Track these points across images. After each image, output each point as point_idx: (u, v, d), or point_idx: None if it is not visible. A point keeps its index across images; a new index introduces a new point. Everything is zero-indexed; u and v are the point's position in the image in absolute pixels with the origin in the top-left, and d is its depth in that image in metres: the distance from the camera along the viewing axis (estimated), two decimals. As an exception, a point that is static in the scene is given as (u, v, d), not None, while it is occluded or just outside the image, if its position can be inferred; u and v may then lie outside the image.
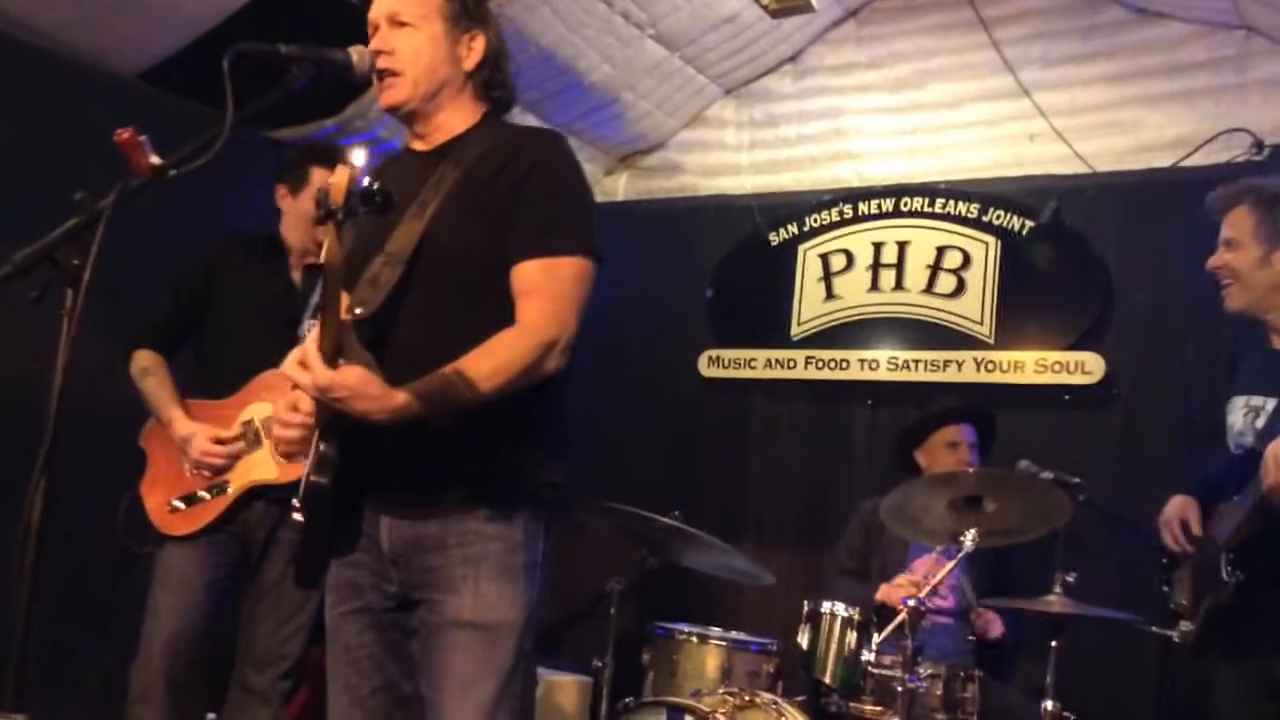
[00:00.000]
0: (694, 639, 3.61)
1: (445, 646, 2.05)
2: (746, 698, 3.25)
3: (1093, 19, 4.47)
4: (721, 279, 5.12)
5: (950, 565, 3.34)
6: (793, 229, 4.99)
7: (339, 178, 1.85)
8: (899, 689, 3.20)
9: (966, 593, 3.77)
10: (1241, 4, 4.03)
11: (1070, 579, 3.20)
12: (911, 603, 3.21)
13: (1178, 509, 2.99)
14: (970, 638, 3.78)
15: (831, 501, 4.66)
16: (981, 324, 4.52)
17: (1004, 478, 3.54)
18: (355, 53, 2.15)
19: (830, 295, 4.86)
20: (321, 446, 1.99)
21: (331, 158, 3.40)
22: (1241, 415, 2.90)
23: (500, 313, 2.06)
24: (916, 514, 3.46)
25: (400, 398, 1.91)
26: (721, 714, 3.13)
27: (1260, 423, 2.82)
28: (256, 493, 3.23)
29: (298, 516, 2.02)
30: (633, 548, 3.83)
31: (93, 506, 3.14)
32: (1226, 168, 4.07)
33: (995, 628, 3.75)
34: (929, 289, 4.65)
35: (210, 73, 1.92)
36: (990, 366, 4.44)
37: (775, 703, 3.27)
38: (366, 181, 1.86)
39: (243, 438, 3.22)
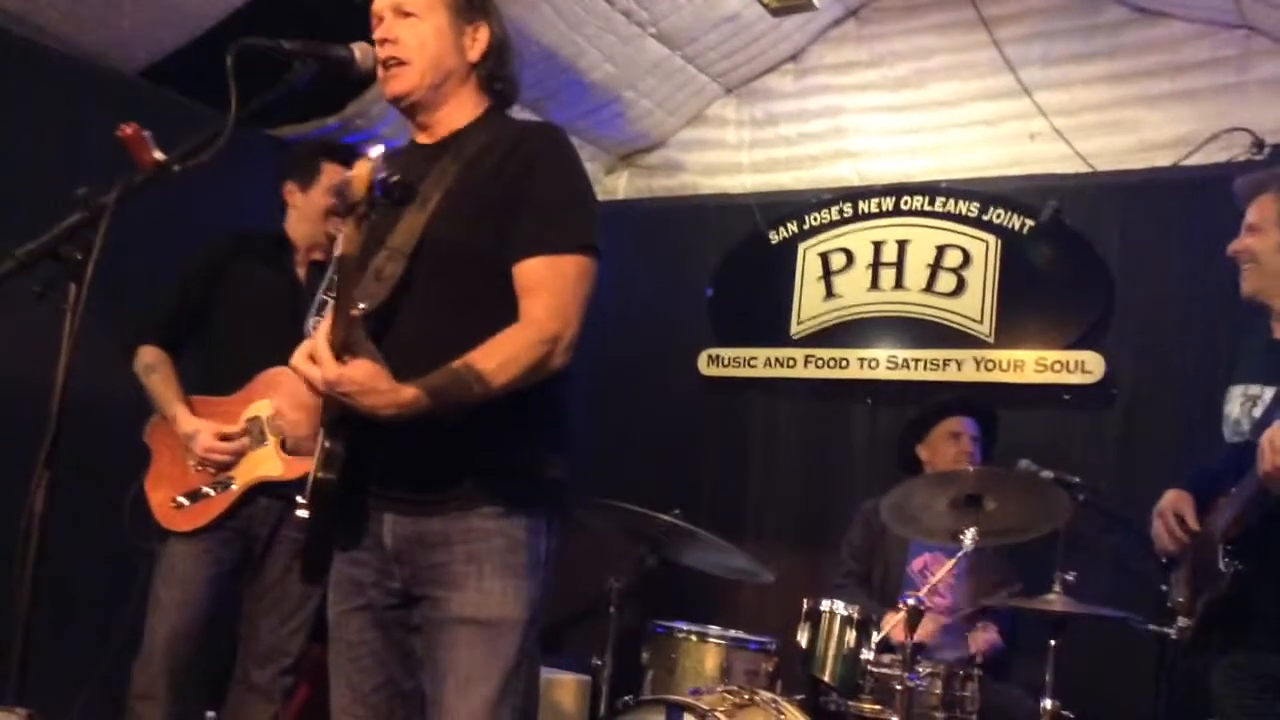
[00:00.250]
0: (693, 637, 3.61)
1: (448, 643, 2.05)
2: (746, 696, 3.24)
3: (1093, 18, 4.48)
4: (721, 278, 5.13)
5: (950, 564, 3.34)
6: (793, 227, 5.00)
7: (360, 170, 1.85)
8: (898, 688, 3.20)
9: (965, 599, 3.77)
10: (1243, 3, 4.03)
11: (1070, 578, 3.21)
12: (911, 601, 3.22)
13: (1171, 502, 2.99)
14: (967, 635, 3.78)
15: (831, 500, 4.66)
16: (981, 323, 4.52)
17: (1004, 476, 3.54)
18: (358, 49, 2.15)
19: (830, 294, 4.86)
20: (328, 443, 1.99)
21: (342, 154, 3.41)
22: (1239, 404, 2.90)
23: (503, 307, 2.06)
24: (917, 512, 3.47)
25: (408, 393, 1.92)
26: (721, 712, 3.12)
27: (1258, 411, 2.82)
28: (261, 489, 3.23)
29: (302, 513, 2.02)
30: (632, 546, 3.83)
31: (95, 502, 3.14)
32: (1227, 167, 4.07)
33: (990, 641, 3.73)
34: (929, 288, 4.65)
35: (211, 70, 1.92)
36: (990, 366, 4.44)
37: (774, 701, 3.26)
38: (385, 174, 1.87)
39: (247, 434, 3.22)
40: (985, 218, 4.58)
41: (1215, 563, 2.77)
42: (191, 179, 1.90)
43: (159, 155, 1.85)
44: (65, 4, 3.79)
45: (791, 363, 4.86)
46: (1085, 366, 4.27)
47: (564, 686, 4.44)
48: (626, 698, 3.46)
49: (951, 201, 4.66)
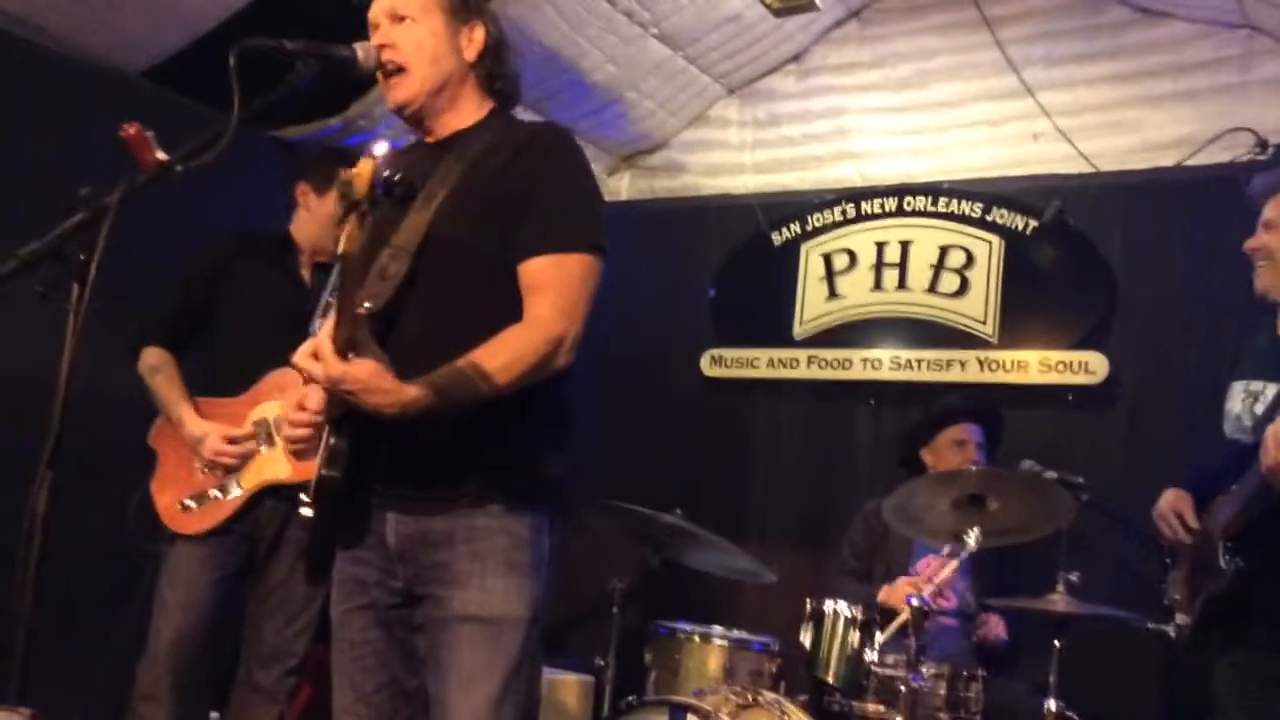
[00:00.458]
0: (696, 638, 3.60)
1: (451, 641, 2.05)
2: (749, 697, 3.24)
3: (1096, 18, 4.47)
4: (724, 278, 5.12)
5: (953, 564, 3.34)
6: (795, 228, 4.99)
7: (362, 168, 1.85)
8: (902, 689, 3.19)
9: (968, 599, 3.77)
10: (1245, 3, 4.03)
11: (1074, 579, 3.21)
12: (915, 602, 3.21)
13: (1170, 503, 2.98)
14: (973, 638, 3.78)
15: (834, 500, 4.66)
16: (985, 323, 4.52)
17: (1007, 477, 3.53)
18: (360, 49, 2.15)
19: (833, 294, 4.86)
20: (332, 440, 2.00)
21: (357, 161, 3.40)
22: (1240, 401, 2.89)
23: (508, 306, 2.07)
24: (919, 513, 3.46)
25: (411, 392, 1.92)
26: (724, 713, 3.12)
27: (1259, 408, 2.81)
28: (267, 491, 3.23)
29: (306, 511, 2.02)
30: (635, 546, 3.82)
31: (98, 503, 3.13)
32: (1230, 167, 4.07)
33: (997, 630, 3.74)
34: (932, 288, 4.65)
35: (213, 71, 1.92)
36: (994, 366, 4.44)
37: (778, 702, 3.26)
38: (387, 171, 1.87)
39: (255, 436, 3.21)
40: (988, 218, 4.58)
41: (1215, 560, 2.76)
42: (194, 179, 1.90)
43: (162, 155, 1.85)
44: (67, 5, 3.79)
45: (794, 363, 4.86)
46: (1089, 367, 4.26)
47: (567, 687, 4.44)
48: (630, 698, 3.45)
49: (954, 202, 4.66)
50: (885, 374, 4.66)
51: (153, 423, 3.35)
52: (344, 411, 1.98)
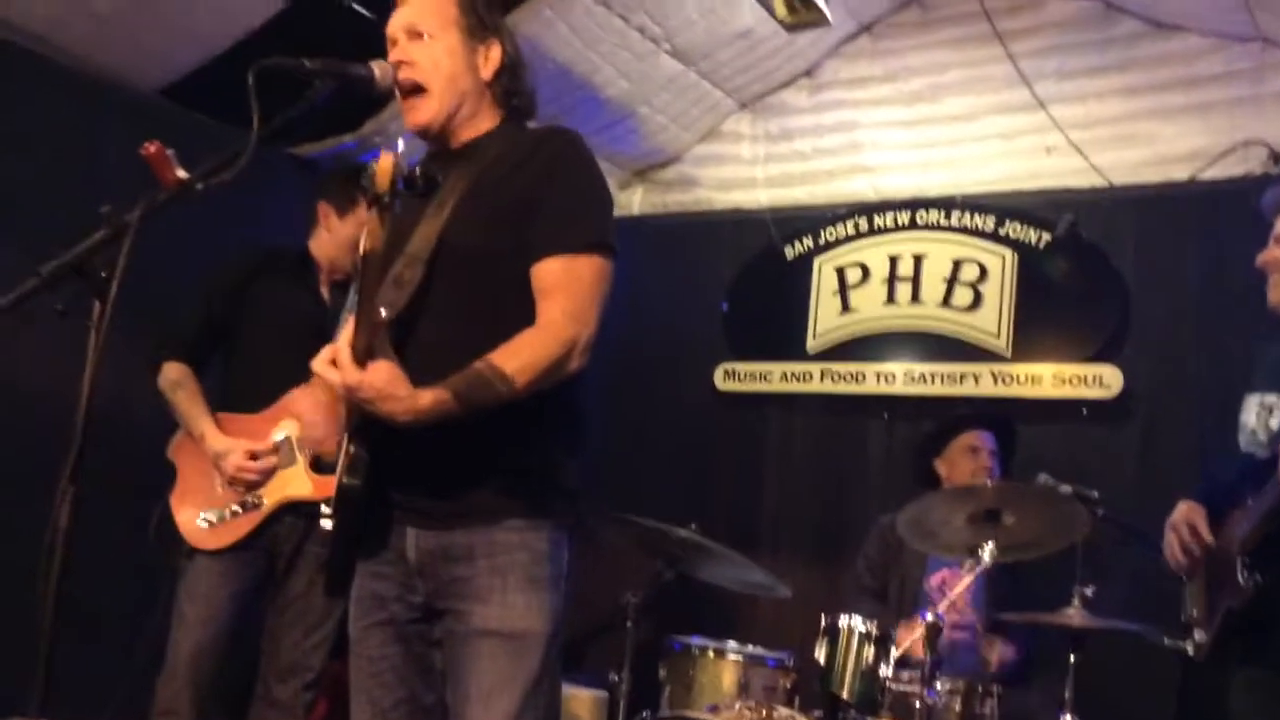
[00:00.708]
0: (710, 653, 3.60)
1: (471, 655, 2.06)
2: (764, 712, 3.24)
3: (1108, 32, 4.47)
4: (737, 292, 5.13)
5: (968, 579, 3.33)
6: (808, 242, 5.00)
7: (384, 163, 1.86)
8: (917, 705, 3.19)
9: (983, 614, 3.75)
10: (1258, 16, 4.03)
11: (1089, 592, 3.19)
12: (930, 618, 3.20)
13: (1183, 515, 2.96)
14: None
15: (848, 514, 4.65)
16: (998, 337, 4.51)
17: (1023, 491, 3.52)
18: (377, 67, 2.16)
19: (846, 308, 4.86)
20: (352, 449, 2.00)
21: None
22: (1254, 414, 2.88)
23: (522, 310, 2.07)
24: (935, 527, 3.45)
25: (426, 398, 1.92)
26: (739, 728, 3.12)
27: (1274, 422, 2.80)
28: (287, 507, 3.24)
29: (326, 523, 2.03)
30: (649, 560, 3.83)
31: (119, 517, 3.15)
32: (1243, 180, 4.07)
33: (1004, 654, 3.70)
34: (945, 302, 4.65)
35: (230, 89, 1.94)
36: (1007, 380, 4.43)
37: (792, 718, 3.26)
38: (409, 165, 1.88)
39: (277, 452, 3.22)
40: (1001, 231, 4.58)
41: (1234, 575, 2.74)
42: (213, 196, 1.92)
43: (182, 173, 1.86)
44: (85, 23, 3.82)
45: (808, 377, 4.86)
46: (1103, 380, 4.26)
47: (581, 702, 4.43)
48: (644, 713, 3.46)
49: (967, 215, 4.66)
50: (899, 388, 4.66)
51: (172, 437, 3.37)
52: (362, 420, 1.98)
